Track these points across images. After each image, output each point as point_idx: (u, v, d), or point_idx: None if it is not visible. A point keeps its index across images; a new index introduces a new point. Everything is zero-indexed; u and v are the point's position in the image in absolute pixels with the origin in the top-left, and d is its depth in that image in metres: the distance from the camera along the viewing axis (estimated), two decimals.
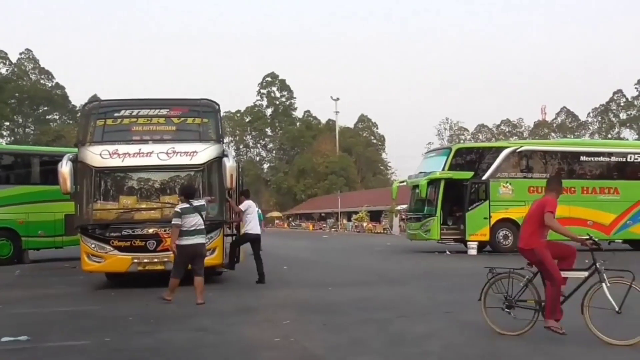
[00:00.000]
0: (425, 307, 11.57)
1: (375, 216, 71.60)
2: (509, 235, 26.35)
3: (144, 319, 10.59)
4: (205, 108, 16.02)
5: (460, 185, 26.55)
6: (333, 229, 78.07)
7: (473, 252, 25.60)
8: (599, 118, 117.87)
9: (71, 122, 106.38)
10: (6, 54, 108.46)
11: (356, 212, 75.21)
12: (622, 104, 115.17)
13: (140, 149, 14.89)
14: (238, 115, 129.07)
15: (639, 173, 27.86)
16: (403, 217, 49.52)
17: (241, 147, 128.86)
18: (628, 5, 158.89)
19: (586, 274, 8.17)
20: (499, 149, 27.86)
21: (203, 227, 12.38)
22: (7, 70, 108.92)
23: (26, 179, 23.52)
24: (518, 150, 27.52)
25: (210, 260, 14.78)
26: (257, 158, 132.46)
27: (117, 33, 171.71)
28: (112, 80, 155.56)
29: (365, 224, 68.97)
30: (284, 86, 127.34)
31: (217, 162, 15.06)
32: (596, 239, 8.37)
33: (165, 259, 14.01)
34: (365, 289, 14.58)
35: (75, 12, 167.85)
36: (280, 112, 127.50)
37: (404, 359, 7.52)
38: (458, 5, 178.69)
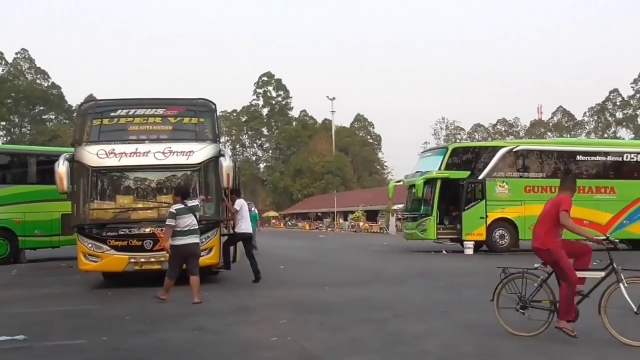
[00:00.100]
0: (422, 307, 11.58)
1: (371, 216, 71.59)
2: (505, 234, 26.40)
3: (141, 318, 10.60)
4: (202, 108, 16.02)
5: (456, 185, 26.57)
6: (329, 229, 78.07)
7: (469, 251, 25.61)
8: (595, 117, 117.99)
9: (67, 121, 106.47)
10: (2, 53, 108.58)
11: (352, 212, 75.17)
12: (618, 103, 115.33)
13: (136, 149, 14.89)
14: (234, 114, 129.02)
15: (636, 172, 27.90)
16: (399, 216, 49.49)
17: (237, 146, 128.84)
18: (624, 4, 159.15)
19: (603, 274, 8.05)
20: (495, 149, 27.87)
21: (197, 227, 12.42)
22: (2, 70, 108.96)
23: (23, 179, 23.47)
24: (514, 150, 27.53)
25: (206, 259, 14.83)
26: (254, 158, 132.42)
27: (112, 33, 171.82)
28: (108, 80, 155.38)
29: (361, 224, 68.99)
30: (280, 86, 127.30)
31: (213, 161, 15.07)
32: (613, 239, 8.30)
33: (162, 259, 13.99)
34: (362, 288, 14.59)
35: (72, 12, 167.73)
36: (277, 111, 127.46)
37: (402, 359, 7.52)
38: (455, 5, 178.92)
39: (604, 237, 8.21)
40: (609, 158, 28.29)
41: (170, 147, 14.90)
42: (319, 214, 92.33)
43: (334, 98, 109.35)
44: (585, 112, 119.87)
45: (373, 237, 53.30)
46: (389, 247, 33.64)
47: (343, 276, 17.69)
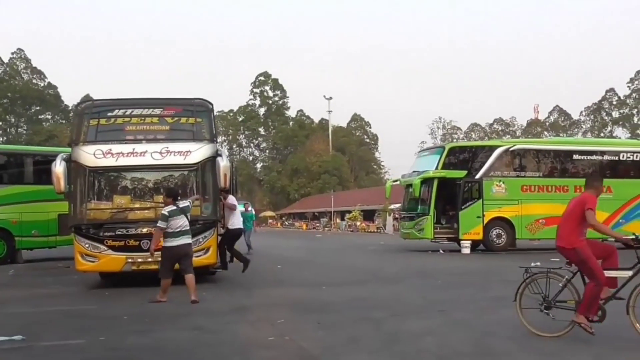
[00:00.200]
0: (419, 306, 11.60)
1: (368, 215, 71.60)
2: (502, 234, 26.45)
3: (139, 318, 10.60)
4: (199, 107, 16.03)
5: (453, 184, 26.59)
6: (326, 229, 78.05)
7: (466, 251, 25.66)
8: (592, 117, 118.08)
9: (64, 121, 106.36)
10: None
11: (349, 212, 75.18)
12: (614, 103, 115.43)
13: (133, 149, 14.89)
14: (231, 114, 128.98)
15: (632, 171, 27.96)
16: (396, 216, 49.56)
17: (234, 146, 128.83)
18: (621, 4, 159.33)
19: (630, 273, 7.92)
20: (492, 148, 27.92)
21: (188, 228, 12.44)
22: None
23: (19, 179, 23.43)
24: (511, 149, 27.57)
25: (204, 259, 14.86)
26: (250, 157, 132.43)
27: (109, 32, 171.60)
28: (104, 80, 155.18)
29: (358, 223, 68.98)
30: (276, 85, 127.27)
31: (210, 161, 15.08)
32: None
33: (160, 259, 13.99)
34: (359, 288, 14.61)
35: (68, 12, 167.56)
36: (273, 111, 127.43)
37: (399, 358, 7.53)
38: (452, 5, 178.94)
39: (634, 236, 7.99)
40: (605, 157, 28.34)
41: (167, 147, 14.90)
42: (316, 213, 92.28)
43: (330, 98, 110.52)
44: (581, 112, 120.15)
45: (370, 236, 53.32)
46: (386, 246, 33.66)
47: (340, 276, 17.71)
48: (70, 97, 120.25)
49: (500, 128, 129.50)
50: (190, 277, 12.23)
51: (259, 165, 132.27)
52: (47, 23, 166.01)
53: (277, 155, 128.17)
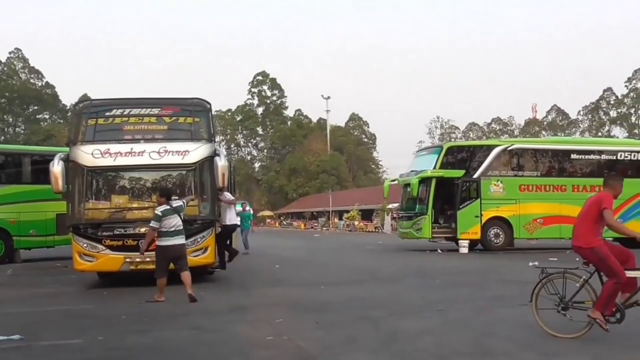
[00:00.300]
0: (417, 305, 11.59)
1: (366, 215, 71.65)
2: (500, 233, 26.45)
3: (137, 317, 10.60)
4: (197, 107, 16.03)
5: (451, 184, 26.58)
6: (324, 228, 78.09)
7: (464, 250, 25.66)
8: (589, 116, 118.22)
9: (61, 121, 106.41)
10: None
11: (347, 211, 75.23)
12: (612, 102, 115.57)
13: (132, 149, 14.88)
14: (229, 114, 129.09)
15: (629, 171, 27.94)
16: (394, 215, 49.59)
17: (232, 146, 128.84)
18: (619, 4, 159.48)
19: None
20: (490, 147, 27.89)
21: (182, 227, 12.47)
22: None
23: (17, 179, 23.43)
24: (509, 149, 27.55)
25: (202, 259, 14.88)
26: (248, 157, 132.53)
27: (107, 32, 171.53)
28: (102, 80, 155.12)
29: (356, 223, 69.04)
30: (274, 85, 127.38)
31: (208, 161, 15.08)
32: None
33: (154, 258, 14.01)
34: (358, 287, 14.61)
35: (66, 11, 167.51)
36: (271, 110, 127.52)
37: (397, 357, 7.53)
38: (450, 4, 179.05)
39: None
40: (603, 157, 28.34)
41: (165, 147, 14.90)
42: (314, 213, 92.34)
43: (328, 97, 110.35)
44: (579, 111, 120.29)
45: (368, 236, 53.34)
46: (384, 246, 33.65)
47: (339, 275, 17.72)
48: (68, 97, 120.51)
49: (498, 127, 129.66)
50: (186, 274, 12.31)
51: (257, 165, 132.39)
52: (45, 22, 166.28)
53: (275, 154, 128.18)
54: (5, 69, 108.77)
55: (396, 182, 31.72)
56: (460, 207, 26.49)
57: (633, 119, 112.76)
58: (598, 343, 7.73)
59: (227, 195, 16.45)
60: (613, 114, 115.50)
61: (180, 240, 12.38)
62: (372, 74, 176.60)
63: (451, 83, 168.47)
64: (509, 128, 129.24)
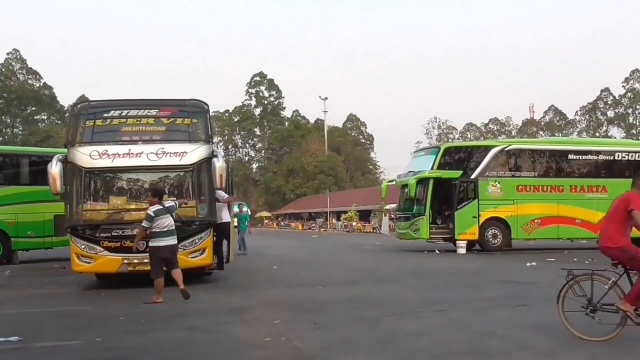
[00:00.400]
0: (415, 306, 11.60)
1: (364, 215, 71.60)
2: (498, 234, 26.48)
3: (135, 318, 10.61)
4: (195, 108, 16.05)
5: (449, 184, 26.61)
6: (322, 229, 78.09)
7: (462, 251, 25.69)
8: (587, 116, 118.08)
9: (59, 122, 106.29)
10: None
11: (345, 212, 75.16)
12: (609, 102, 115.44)
13: (129, 150, 14.90)
14: (226, 115, 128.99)
15: (627, 171, 27.96)
16: (392, 216, 49.57)
17: (230, 146, 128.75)
18: (616, 3, 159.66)
19: None
20: (488, 148, 27.94)
21: (174, 227, 12.56)
22: None
23: (15, 180, 23.47)
24: (506, 149, 27.60)
25: (200, 260, 14.91)
26: (246, 158, 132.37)
27: (104, 33, 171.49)
28: (99, 81, 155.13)
29: (354, 224, 69.04)
30: (272, 86, 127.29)
31: (206, 162, 15.10)
32: None
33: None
34: (355, 287, 14.63)
35: (64, 12, 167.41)
36: (269, 111, 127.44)
37: (395, 357, 7.55)
38: (447, 4, 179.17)
39: None
40: (601, 157, 28.42)
41: (163, 148, 14.91)
42: (312, 214, 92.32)
43: (326, 98, 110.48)
44: (576, 111, 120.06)
45: (366, 236, 53.36)
46: (382, 246, 33.68)
47: (336, 276, 17.73)
48: (66, 98, 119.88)
49: (495, 128, 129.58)
50: (177, 272, 12.47)
51: (254, 166, 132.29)
52: (43, 23, 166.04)
53: (273, 155, 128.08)
54: (3, 69, 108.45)
55: (394, 182, 31.74)
56: (458, 207, 26.51)
57: (630, 119, 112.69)
58: (597, 343, 7.74)
59: (221, 194, 16.45)
60: (610, 114, 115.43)
61: (173, 240, 12.48)
62: (369, 74, 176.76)
63: (448, 83, 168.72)
64: (507, 128, 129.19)
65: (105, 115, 15.78)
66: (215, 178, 14.90)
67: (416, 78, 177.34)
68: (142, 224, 12.36)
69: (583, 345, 7.73)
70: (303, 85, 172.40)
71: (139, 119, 15.63)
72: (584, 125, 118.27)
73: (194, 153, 15.03)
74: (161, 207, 12.33)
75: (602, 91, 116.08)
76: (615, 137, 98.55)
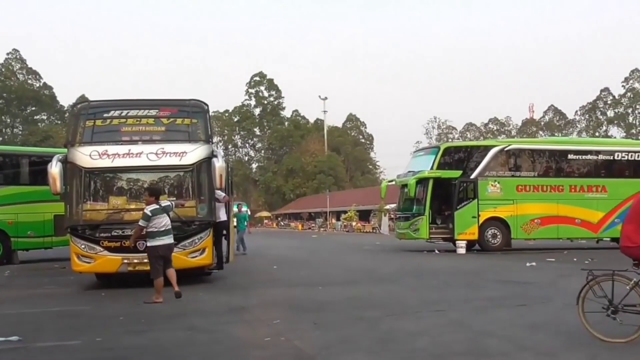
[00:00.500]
0: (414, 306, 11.60)
1: (364, 215, 71.58)
2: (498, 234, 26.47)
3: (135, 318, 10.62)
4: (194, 108, 16.06)
5: (448, 184, 26.60)
6: (322, 229, 78.09)
7: (462, 251, 25.68)
8: (587, 116, 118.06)
9: (59, 122, 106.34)
10: None
11: (345, 212, 75.16)
12: (609, 102, 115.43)
13: (129, 150, 14.91)
14: (226, 115, 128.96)
15: (627, 171, 28.05)
16: (392, 216, 49.57)
17: (230, 146, 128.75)
18: (616, 3, 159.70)
19: None
20: (487, 148, 27.92)
21: (171, 226, 12.62)
22: None
23: (15, 180, 23.48)
24: (506, 149, 27.59)
25: (200, 260, 14.92)
26: (246, 158, 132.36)
27: (104, 33, 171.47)
28: (99, 81, 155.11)
29: (354, 224, 69.03)
30: (272, 86, 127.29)
31: (206, 162, 15.11)
32: None
33: None
34: (355, 287, 14.64)
35: (63, 12, 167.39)
36: (269, 111, 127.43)
37: (394, 357, 7.55)
38: (447, 4, 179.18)
39: None
40: (600, 157, 28.44)
41: (163, 148, 14.93)
42: (312, 213, 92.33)
43: (326, 98, 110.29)
44: (576, 111, 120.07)
45: (366, 236, 53.36)
46: (382, 246, 33.68)
47: (336, 276, 17.74)
48: (65, 98, 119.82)
49: (495, 128, 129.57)
50: (171, 271, 12.52)
51: (254, 166, 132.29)
52: (43, 23, 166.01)
53: (273, 155, 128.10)
54: (3, 69, 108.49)
55: (393, 182, 31.73)
56: (458, 207, 26.50)
57: (630, 118, 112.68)
58: (596, 343, 7.74)
59: (218, 193, 16.45)
60: (610, 114, 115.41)
61: (170, 239, 12.57)
62: (369, 74, 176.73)
63: (448, 83, 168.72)
64: (506, 128, 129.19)
65: (105, 115, 15.80)
66: (215, 178, 14.91)
67: (416, 78, 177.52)
68: (139, 223, 12.41)
69: (583, 345, 7.73)
70: (303, 85, 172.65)
71: (138, 119, 15.65)
72: (583, 125, 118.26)
73: (193, 153, 15.04)
74: (158, 206, 12.37)
75: (601, 91, 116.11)
76: (615, 137, 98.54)
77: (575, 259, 20.03)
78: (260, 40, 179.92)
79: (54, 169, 14.56)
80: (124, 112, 15.71)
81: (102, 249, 14.46)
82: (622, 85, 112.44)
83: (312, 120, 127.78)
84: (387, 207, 53.35)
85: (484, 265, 20.24)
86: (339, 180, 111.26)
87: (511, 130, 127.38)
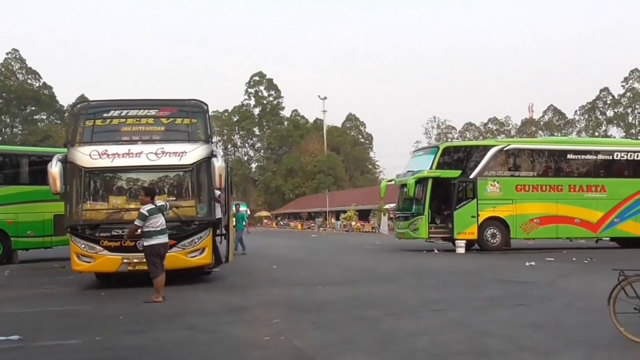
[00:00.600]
0: (414, 305, 11.61)
1: (363, 215, 71.57)
2: (497, 233, 26.48)
3: (135, 318, 10.63)
4: (194, 108, 16.07)
5: (448, 184, 26.60)
6: (321, 228, 78.10)
7: (461, 250, 25.68)
8: (586, 116, 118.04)
9: (59, 122, 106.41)
10: None
11: (344, 211, 75.16)
12: (608, 102, 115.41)
13: (129, 150, 14.92)
14: (226, 114, 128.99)
15: (626, 171, 28.08)
16: (391, 216, 49.55)
17: (229, 146, 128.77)
18: (616, 3, 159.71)
19: None
20: (487, 148, 27.91)
21: (166, 226, 12.71)
22: None
23: (15, 179, 23.48)
24: (505, 149, 27.58)
25: (199, 260, 14.94)
26: (245, 157, 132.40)
27: (104, 33, 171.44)
28: (99, 81, 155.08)
29: (353, 223, 69.03)
30: (271, 85, 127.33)
31: (206, 162, 15.13)
32: None
33: None
34: (355, 287, 14.65)
35: (63, 12, 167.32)
36: (268, 111, 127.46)
37: (394, 357, 7.56)
38: (447, 4, 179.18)
39: None
40: (600, 157, 28.44)
41: (162, 148, 14.95)
42: (311, 213, 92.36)
43: (325, 98, 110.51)
44: (576, 111, 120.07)
45: (365, 236, 53.37)
46: (381, 246, 33.70)
47: (336, 275, 17.75)
48: (65, 98, 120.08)
49: (494, 127, 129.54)
50: (163, 275, 12.56)
51: (253, 165, 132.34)
52: (43, 23, 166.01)
53: (272, 155, 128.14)
54: (2, 69, 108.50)
55: (393, 182, 31.70)
56: (457, 207, 26.51)
57: (630, 118, 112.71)
58: (595, 343, 7.76)
59: (216, 193, 16.46)
60: (610, 113, 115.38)
61: (166, 238, 12.66)
62: (369, 74, 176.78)
63: (448, 83, 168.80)
64: (506, 128, 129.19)
65: (105, 115, 15.81)
66: (215, 178, 14.93)
67: (416, 78, 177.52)
68: (136, 223, 12.42)
69: (582, 344, 7.76)
70: (302, 85, 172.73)
71: (138, 119, 15.66)
72: (583, 125, 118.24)
73: (193, 153, 15.06)
74: (154, 206, 12.43)
75: (601, 91, 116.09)
76: (614, 137, 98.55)
77: (574, 259, 20.06)
78: (260, 40, 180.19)
79: (54, 168, 14.57)
80: (124, 112, 15.72)
81: (102, 249, 14.46)
82: (622, 85, 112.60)
83: (311, 120, 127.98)
84: (387, 206, 53.34)
85: (484, 264, 20.24)
86: (338, 180, 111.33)
87: (510, 130, 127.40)
